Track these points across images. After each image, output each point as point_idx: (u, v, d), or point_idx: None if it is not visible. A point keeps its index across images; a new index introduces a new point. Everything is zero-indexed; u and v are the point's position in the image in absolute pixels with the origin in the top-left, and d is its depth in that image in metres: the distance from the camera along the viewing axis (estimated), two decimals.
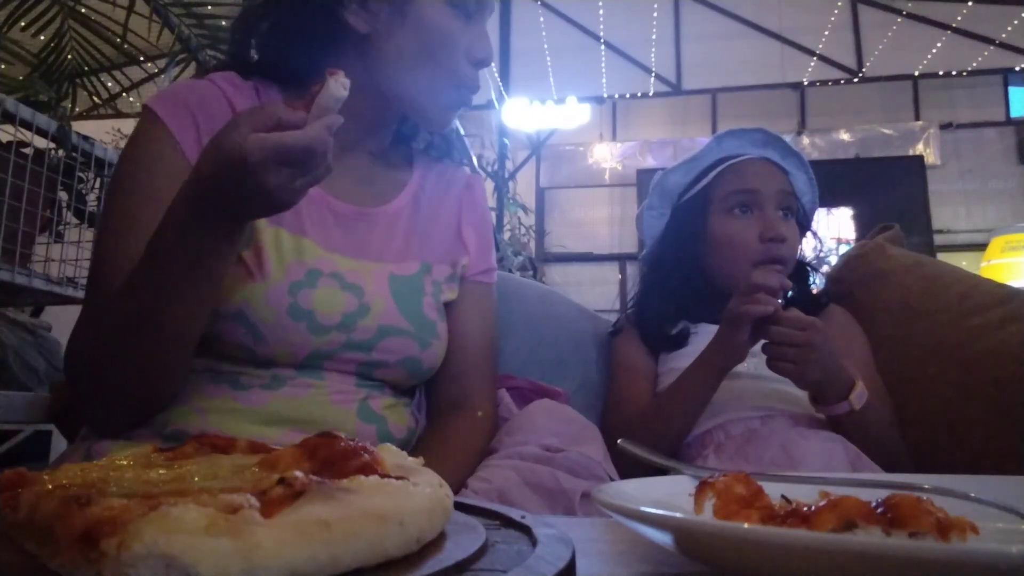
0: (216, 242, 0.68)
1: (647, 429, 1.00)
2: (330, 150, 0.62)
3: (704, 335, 1.05)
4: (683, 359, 1.03)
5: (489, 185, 5.91)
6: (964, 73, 7.12)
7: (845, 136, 7.53)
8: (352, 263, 0.85)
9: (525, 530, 0.40)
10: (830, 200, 5.97)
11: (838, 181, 5.93)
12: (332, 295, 0.82)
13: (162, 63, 2.89)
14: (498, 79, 6.62)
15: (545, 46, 7.56)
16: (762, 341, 0.94)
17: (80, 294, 1.70)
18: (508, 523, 0.42)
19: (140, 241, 0.70)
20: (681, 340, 1.11)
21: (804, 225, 1.18)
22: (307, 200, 0.81)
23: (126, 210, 0.78)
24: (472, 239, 0.98)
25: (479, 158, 5.55)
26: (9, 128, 1.57)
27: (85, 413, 0.82)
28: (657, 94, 7.83)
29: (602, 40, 7.62)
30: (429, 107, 0.89)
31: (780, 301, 0.93)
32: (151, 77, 3.60)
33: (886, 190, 6.21)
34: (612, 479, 0.78)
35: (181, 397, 0.80)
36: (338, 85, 0.60)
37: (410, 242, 0.92)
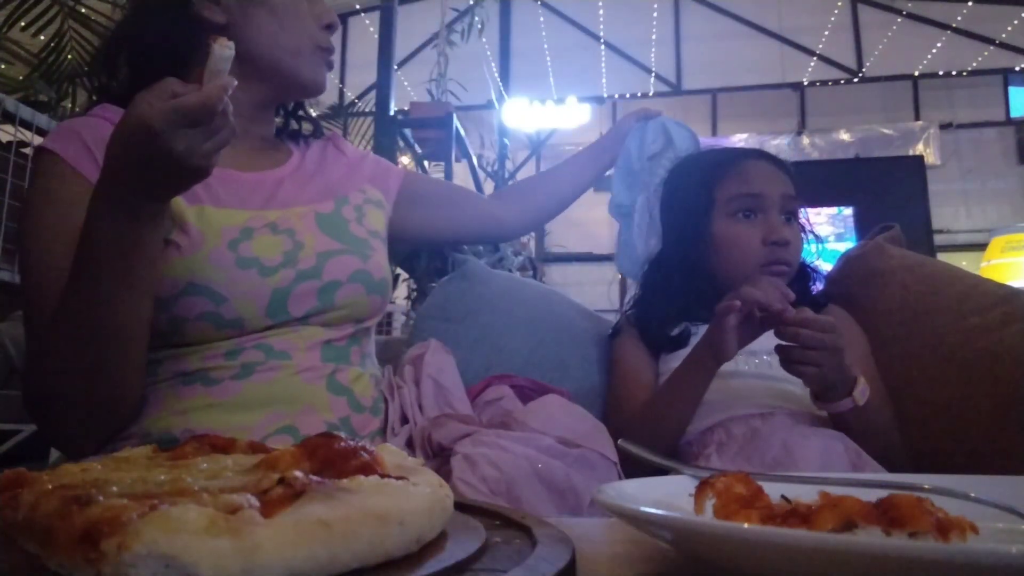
0: (141, 224, 0.70)
1: (644, 428, 1.00)
2: (230, 110, 0.65)
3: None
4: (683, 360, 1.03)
5: (489, 185, 5.91)
6: (964, 73, 7.13)
7: (845, 136, 7.54)
8: (278, 213, 0.91)
9: (525, 530, 0.40)
10: (830, 200, 5.96)
11: (838, 181, 5.92)
12: (269, 241, 0.87)
13: None
14: (498, 79, 6.63)
15: (545, 46, 7.56)
16: (760, 340, 0.94)
17: None
18: (508, 523, 0.42)
19: (66, 262, 0.72)
20: (682, 341, 1.11)
21: (803, 227, 1.18)
22: (217, 179, 0.87)
23: (43, 240, 0.81)
24: (366, 167, 1.09)
25: (479, 158, 5.55)
26: (9, 128, 1.57)
27: (56, 441, 0.84)
28: (657, 94, 7.83)
29: (602, 40, 7.63)
30: (300, 73, 0.96)
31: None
32: None
33: (886, 190, 6.19)
34: (622, 479, 0.78)
35: (156, 404, 0.83)
36: (222, 48, 0.63)
37: (318, 186, 1.00)
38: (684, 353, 1.07)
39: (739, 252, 1.10)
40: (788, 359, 0.92)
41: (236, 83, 0.64)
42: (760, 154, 1.18)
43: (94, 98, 0.98)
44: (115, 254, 0.70)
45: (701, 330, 1.11)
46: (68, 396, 0.77)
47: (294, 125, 1.09)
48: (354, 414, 0.89)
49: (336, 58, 1.03)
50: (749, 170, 1.13)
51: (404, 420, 0.93)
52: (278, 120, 1.07)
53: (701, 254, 1.14)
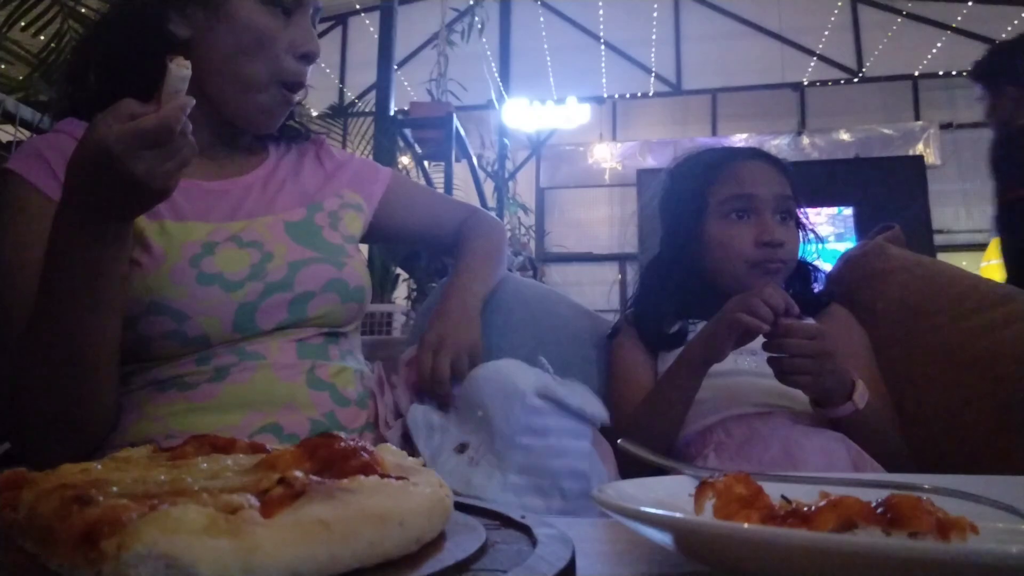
0: (106, 246, 0.69)
1: (639, 428, 1.00)
2: (188, 130, 0.64)
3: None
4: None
5: (489, 185, 5.91)
6: (964, 73, 7.12)
7: (845, 136, 7.54)
8: (243, 224, 0.88)
9: (525, 530, 0.40)
10: (830, 200, 5.97)
11: (838, 181, 5.93)
12: (233, 255, 0.85)
13: None
14: (498, 79, 6.63)
15: (545, 46, 7.57)
16: (760, 338, 0.94)
17: None
18: (508, 523, 0.42)
19: (33, 282, 0.72)
20: (679, 339, 1.11)
21: (803, 226, 1.17)
22: (179, 190, 0.84)
23: (11, 262, 0.80)
24: (347, 172, 1.05)
25: (479, 158, 5.55)
26: (9, 128, 1.57)
27: (34, 456, 0.82)
28: (657, 94, 7.84)
29: (602, 40, 7.63)
30: (251, 110, 0.90)
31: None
32: None
33: (886, 190, 6.20)
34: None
35: (134, 411, 0.82)
36: (179, 67, 0.63)
37: (290, 193, 0.96)
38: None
39: (732, 253, 1.09)
40: (781, 370, 0.92)
41: (194, 102, 0.63)
42: (755, 153, 1.17)
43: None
44: (80, 276, 0.69)
45: (699, 327, 1.12)
46: (41, 415, 0.76)
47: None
48: (339, 408, 0.87)
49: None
50: (742, 171, 1.13)
51: (398, 414, 0.92)
52: None
53: (696, 255, 1.13)
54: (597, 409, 0.83)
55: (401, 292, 4.57)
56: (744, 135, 7.47)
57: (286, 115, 0.95)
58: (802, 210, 1.17)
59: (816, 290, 1.19)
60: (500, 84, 6.73)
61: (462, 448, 0.80)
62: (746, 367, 1.04)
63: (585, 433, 0.81)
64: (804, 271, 1.18)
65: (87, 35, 0.97)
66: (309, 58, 0.90)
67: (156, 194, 0.66)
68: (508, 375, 0.82)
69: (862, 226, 6.06)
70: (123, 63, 0.88)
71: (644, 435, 0.98)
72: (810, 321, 1.01)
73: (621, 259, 7.24)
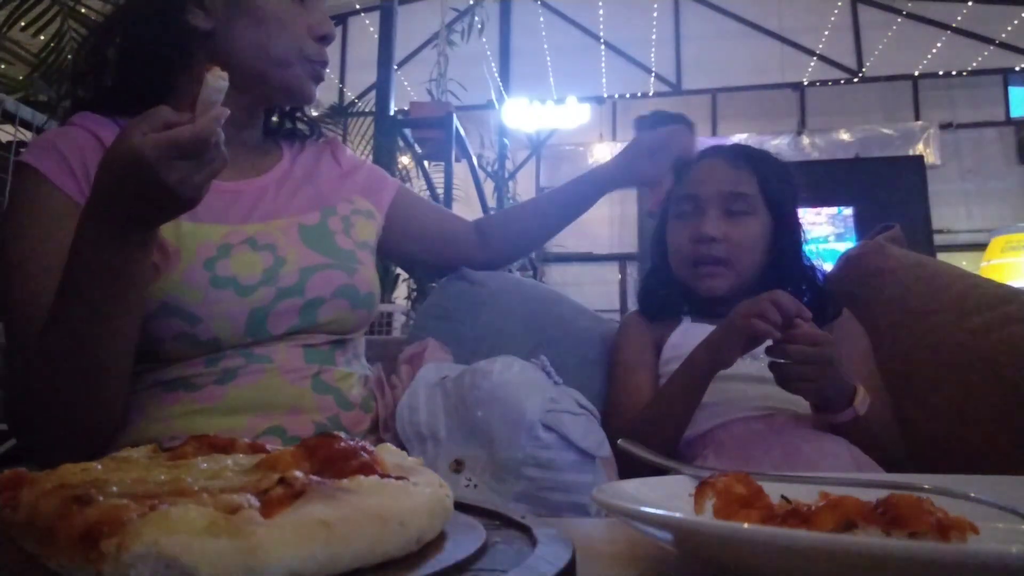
0: (131, 251, 0.70)
1: (643, 432, 1.00)
2: (222, 141, 0.65)
3: (688, 329, 1.10)
4: (684, 349, 1.03)
5: (489, 185, 5.91)
6: (964, 73, 7.13)
7: (845, 136, 7.54)
8: (258, 227, 0.89)
9: (525, 530, 0.40)
10: (830, 200, 5.96)
11: (838, 181, 5.92)
12: (248, 258, 0.85)
13: None
14: (498, 79, 6.63)
15: (545, 46, 7.57)
16: (765, 343, 0.93)
17: None
18: (508, 523, 0.42)
19: (48, 281, 0.72)
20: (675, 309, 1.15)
21: (783, 222, 1.13)
22: None
23: (24, 257, 0.80)
24: (359, 177, 1.06)
25: (479, 158, 5.55)
26: (9, 128, 1.57)
27: (40, 455, 0.81)
28: (657, 94, 7.83)
29: (602, 40, 7.63)
30: (287, 83, 0.93)
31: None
32: None
33: (886, 190, 6.19)
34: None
35: (139, 413, 0.82)
36: (216, 78, 0.63)
37: (305, 196, 0.97)
38: (682, 345, 1.06)
39: (675, 252, 1.14)
40: (783, 376, 0.91)
41: (228, 113, 0.64)
42: (716, 151, 1.18)
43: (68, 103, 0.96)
44: (103, 280, 0.69)
45: (686, 322, 1.12)
46: (51, 415, 0.76)
47: (288, 124, 1.06)
48: (343, 412, 0.88)
49: (336, 58, 1.02)
50: (694, 172, 1.15)
51: None
52: (273, 120, 1.05)
53: (664, 255, 1.19)
54: (596, 443, 0.84)
55: (401, 292, 4.57)
56: (744, 135, 7.46)
57: (317, 86, 0.97)
58: (815, 210, 1.17)
59: (826, 300, 1.17)
60: (500, 84, 6.73)
61: (458, 465, 0.80)
62: (747, 371, 1.03)
63: (589, 468, 0.81)
64: (812, 281, 1.16)
65: (103, 29, 0.97)
66: (327, 40, 0.94)
67: (185, 203, 0.67)
68: (515, 398, 0.81)
69: (862, 226, 6.05)
70: (141, 57, 0.88)
71: (647, 439, 0.97)
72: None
73: (621, 259, 7.25)
